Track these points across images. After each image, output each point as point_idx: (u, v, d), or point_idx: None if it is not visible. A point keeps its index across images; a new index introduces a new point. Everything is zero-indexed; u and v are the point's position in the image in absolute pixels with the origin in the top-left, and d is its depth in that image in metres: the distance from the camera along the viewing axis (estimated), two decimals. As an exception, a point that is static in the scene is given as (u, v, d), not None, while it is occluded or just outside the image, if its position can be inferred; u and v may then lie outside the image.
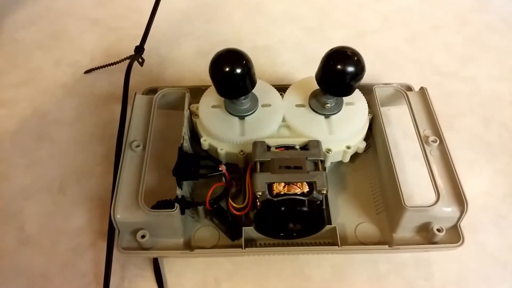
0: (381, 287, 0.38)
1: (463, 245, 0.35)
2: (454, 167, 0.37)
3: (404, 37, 0.61)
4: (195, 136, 0.43)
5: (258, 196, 0.35)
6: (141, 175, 0.38)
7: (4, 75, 0.55)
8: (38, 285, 0.38)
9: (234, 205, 0.38)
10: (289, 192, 0.35)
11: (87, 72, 0.54)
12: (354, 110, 0.41)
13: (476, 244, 0.40)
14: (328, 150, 0.39)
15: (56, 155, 0.47)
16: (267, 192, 0.35)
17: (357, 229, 0.39)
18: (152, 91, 0.46)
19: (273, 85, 0.43)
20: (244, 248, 0.36)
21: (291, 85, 0.43)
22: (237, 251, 0.37)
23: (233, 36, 0.60)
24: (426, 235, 0.37)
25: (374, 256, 0.39)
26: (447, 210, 0.36)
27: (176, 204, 0.36)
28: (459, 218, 0.36)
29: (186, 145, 0.41)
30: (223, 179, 0.39)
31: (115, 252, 0.38)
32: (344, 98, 0.41)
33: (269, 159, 0.37)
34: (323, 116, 0.41)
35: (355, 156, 0.42)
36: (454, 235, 0.36)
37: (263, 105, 0.41)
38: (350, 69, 0.37)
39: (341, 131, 0.40)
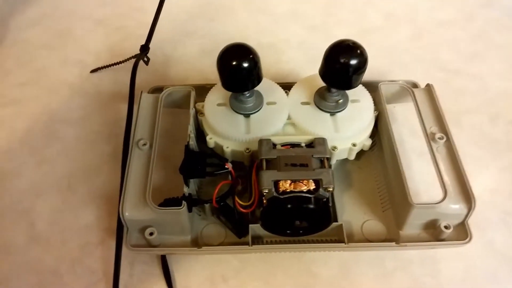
0: (388, 284, 0.38)
1: (470, 242, 0.36)
2: (461, 164, 0.37)
3: (409, 34, 0.60)
4: (200, 134, 0.43)
5: (265, 193, 0.35)
6: (148, 173, 0.38)
7: (11, 74, 0.55)
8: (49, 282, 0.39)
9: (241, 202, 0.38)
10: (296, 190, 0.35)
11: (93, 71, 0.55)
12: (359, 107, 0.41)
13: (483, 241, 0.40)
14: (334, 148, 0.39)
15: (64, 154, 0.47)
16: (273, 190, 0.35)
17: (364, 226, 0.39)
18: (157, 89, 0.46)
19: (277, 83, 0.43)
20: (251, 245, 0.37)
21: (296, 82, 0.44)
22: (244, 248, 0.37)
23: (237, 35, 0.60)
24: (433, 232, 0.37)
25: (381, 253, 0.39)
26: (454, 207, 0.36)
27: (184, 202, 0.36)
28: (467, 215, 0.36)
29: (192, 143, 0.41)
30: (229, 177, 0.39)
31: (124, 249, 0.38)
32: (349, 95, 0.41)
33: (275, 157, 0.37)
34: (328, 114, 0.41)
35: (360, 154, 0.42)
36: (462, 232, 0.36)
37: (268, 103, 0.42)
38: (352, 58, 0.37)
39: (347, 129, 0.40)
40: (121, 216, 0.36)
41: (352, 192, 0.42)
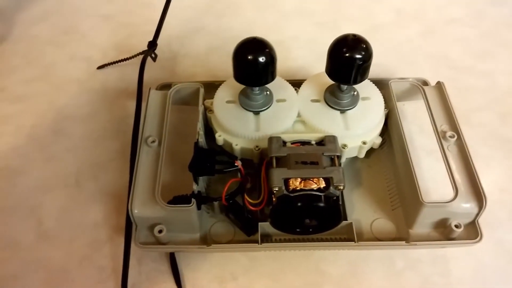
0: (397, 283, 0.38)
1: (481, 241, 0.35)
2: (472, 162, 0.37)
3: (418, 31, 0.60)
4: (209, 131, 0.43)
5: (275, 191, 0.35)
6: (157, 170, 0.38)
7: (18, 70, 0.55)
8: (58, 278, 0.39)
9: (250, 200, 0.38)
10: (306, 188, 0.35)
11: (100, 67, 0.55)
12: (370, 105, 0.41)
13: (493, 241, 0.40)
14: (344, 146, 0.39)
15: (72, 150, 0.47)
16: (283, 188, 0.35)
17: (373, 225, 0.39)
18: (165, 86, 0.46)
19: (287, 80, 0.43)
20: (260, 244, 0.37)
21: (305, 80, 0.43)
22: (253, 246, 0.37)
23: (245, 31, 0.59)
24: (443, 231, 0.37)
25: (390, 252, 0.39)
26: (465, 206, 0.36)
27: (193, 199, 0.36)
28: (477, 214, 0.36)
29: (202, 140, 0.41)
30: (239, 174, 0.39)
31: (132, 246, 0.38)
32: (360, 93, 0.41)
33: (285, 155, 0.37)
34: (338, 111, 0.40)
35: (370, 152, 0.42)
36: (472, 231, 0.36)
37: (278, 100, 0.41)
38: (355, 51, 0.36)
39: (357, 126, 0.40)
40: (130, 213, 0.36)
41: (361, 191, 0.42)
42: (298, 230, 0.37)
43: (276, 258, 0.39)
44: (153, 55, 0.51)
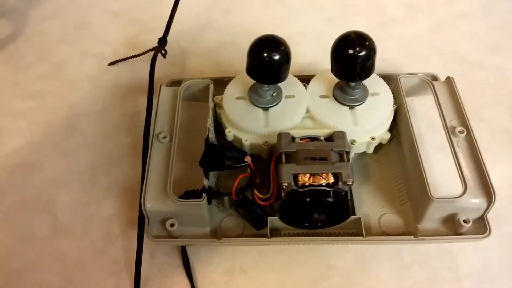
0: (405, 277, 0.38)
1: (489, 236, 0.36)
2: (481, 158, 0.37)
3: (428, 25, 0.59)
4: (218, 127, 0.44)
5: (284, 187, 0.36)
6: (169, 165, 0.39)
7: (31, 67, 0.56)
8: (72, 271, 0.40)
9: (259, 195, 0.39)
10: (315, 183, 0.35)
11: (111, 64, 0.55)
12: (379, 100, 0.41)
13: (501, 235, 0.40)
14: (353, 141, 0.39)
15: (85, 146, 0.48)
16: (292, 183, 0.35)
17: (381, 219, 0.39)
18: (176, 82, 0.46)
19: (295, 76, 0.43)
20: (270, 238, 0.37)
21: (313, 76, 0.44)
22: (262, 240, 0.37)
23: (253, 27, 0.60)
24: (452, 226, 0.37)
25: (398, 247, 0.40)
26: (474, 201, 0.36)
27: (204, 194, 0.37)
28: (486, 210, 0.36)
29: (212, 136, 0.42)
30: (248, 170, 0.40)
31: (145, 239, 0.39)
32: (369, 88, 0.41)
33: (294, 150, 0.37)
34: (347, 107, 0.41)
35: (378, 147, 0.42)
36: (481, 226, 0.36)
37: (287, 96, 0.42)
38: (357, 48, 0.37)
39: (366, 122, 0.40)
40: (142, 208, 0.37)
41: (370, 186, 0.42)
42: (306, 224, 0.38)
43: (285, 252, 0.40)
44: (163, 52, 0.51)
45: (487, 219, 0.36)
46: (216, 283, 0.39)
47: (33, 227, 0.43)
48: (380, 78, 0.43)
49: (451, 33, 0.58)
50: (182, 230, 0.38)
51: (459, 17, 0.60)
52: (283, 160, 0.37)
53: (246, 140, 0.40)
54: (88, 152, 0.48)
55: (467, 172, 0.37)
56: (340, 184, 0.35)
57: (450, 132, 0.39)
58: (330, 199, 0.35)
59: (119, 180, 0.45)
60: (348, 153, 0.38)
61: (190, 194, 0.38)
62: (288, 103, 0.41)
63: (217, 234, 0.39)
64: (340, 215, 0.37)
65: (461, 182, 0.36)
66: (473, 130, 0.39)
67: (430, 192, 0.35)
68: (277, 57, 0.37)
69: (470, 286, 0.38)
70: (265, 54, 0.37)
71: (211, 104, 0.43)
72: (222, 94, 0.43)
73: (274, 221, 0.38)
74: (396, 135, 0.43)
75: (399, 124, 0.43)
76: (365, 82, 0.41)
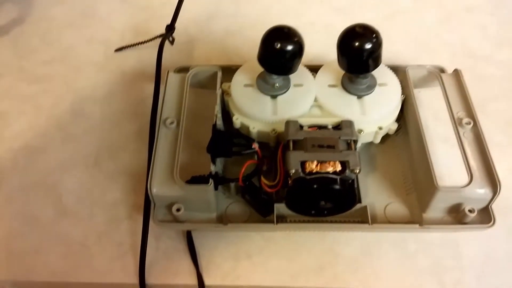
0: (410, 265, 0.39)
1: (494, 226, 0.36)
2: (487, 149, 0.37)
3: (436, 18, 0.59)
4: (226, 115, 0.44)
5: (291, 173, 0.36)
6: (175, 151, 0.39)
7: (37, 52, 0.56)
8: (77, 253, 0.40)
9: (266, 182, 0.39)
10: (322, 171, 0.36)
11: (118, 50, 0.55)
12: (387, 90, 0.41)
13: (505, 227, 0.40)
14: (360, 131, 0.40)
15: (91, 131, 0.48)
16: (300, 170, 0.36)
17: (387, 209, 0.40)
18: (183, 69, 0.46)
19: (303, 65, 0.43)
20: (276, 224, 0.37)
21: (321, 65, 0.44)
22: (269, 226, 0.38)
23: (261, 16, 0.60)
24: (456, 216, 0.38)
25: (403, 236, 0.40)
26: (479, 191, 0.36)
27: (211, 180, 0.37)
28: (491, 200, 0.36)
29: (219, 123, 0.42)
30: (255, 156, 0.40)
31: (150, 224, 0.39)
32: (377, 79, 0.41)
33: (302, 138, 0.38)
34: (355, 97, 0.41)
35: (385, 138, 0.43)
36: (485, 216, 0.37)
37: (295, 85, 0.42)
38: (362, 42, 0.37)
39: (374, 112, 0.40)
40: (149, 192, 0.37)
41: (376, 175, 0.42)
42: (313, 212, 0.38)
43: (290, 239, 0.40)
44: (170, 39, 0.51)
45: (491, 209, 0.37)
46: (221, 268, 0.39)
47: (37, 210, 0.43)
48: (388, 68, 0.43)
49: (460, 27, 0.58)
50: (188, 215, 0.38)
51: (468, 11, 0.60)
52: (291, 148, 0.37)
53: (253, 128, 0.40)
54: (94, 137, 0.47)
55: (473, 162, 0.37)
56: (347, 172, 0.36)
57: (457, 123, 0.40)
58: (337, 187, 0.35)
59: (124, 166, 0.45)
60: (355, 141, 0.38)
61: (196, 180, 0.38)
62: (297, 92, 0.41)
63: (223, 220, 0.39)
64: (346, 203, 0.37)
65: (467, 172, 0.37)
66: (480, 122, 0.39)
67: (436, 181, 0.36)
68: (290, 48, 0.37)
69: (473, 276, 0.38)
70: (278, 45, 0.37)
71: (219, 91, 0.43)
72: (230, 81, 0.43)
73: (280, 208, 0.38)
74: (403, 126, 0.43)
75: (406, 115, 0.43)
76: (373, 72, 0.41)
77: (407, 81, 0.43)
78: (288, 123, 0.39)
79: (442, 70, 0.45)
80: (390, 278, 0.38)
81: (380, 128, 0.40)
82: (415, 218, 0.39)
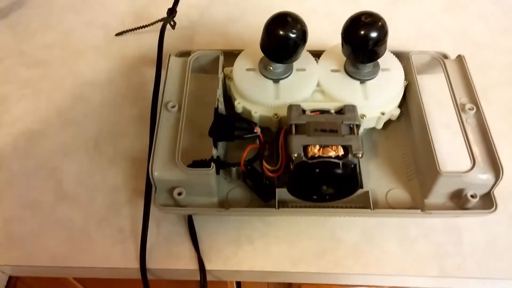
0: (411, 251, 0.39)
1: (496, 211, 0.36)
2: (490, 134, 0.37)
3: (439, 6, 0.59)
4: (227, 101, 0.43)
5: (294, 158, 0.35)
6: (177, 134, 0.38)
7: (37, 35, 0.55)
8: (78, 238, 0.40)
9: (268, 167, 0.39)
10: (324, 155, 0.35)
11: (118, 34, 0.55)
12: (390, 76, 0.41)
13: (506, 213, 0.40)
14: (363, 116, 0.39)
15: (91, 115, 0.48)
16: (302, 154, 0.35)
17: (388, 194, 0.40)
18: (185, 53, 0.46)
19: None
20: (278, 209, 0.37)
21: (323, 51, 0.43)
22: (271, 211, 0.38)
23: (263, 2, 0.59)
24: (458, 202, 0.38)
25: (404, 221, 0.40)
26: (482, 177, 0.36)
27: (212, 163, 0.37)
28: (494, 185, 0.36)
29: (221, 107, 0.41)
30: (257, 141, 0.40)
31: (151, 209, 0.39)
32: (380, 64, 0.41)
33: (305, 122, 0.37)
34: (358, 81, 0.41)
35: (387, 124, 0.42)
36: (487, 202, 0.37)
37: (297, 69, 0.41)
38: (369, 32, 0.37)
39: (377, 97, 0.40)
40: (150, 176, 0.37)
41: (377, 161, 0.42)
42: (314, 197, 0.38)
43: (292, 224, 0.40)
44: (172, 23, 0.51)
45: (493, 195, 0.37)
46: (222, 253, 0.39)
47: (37, 194, 0.42)
48: (392, 54, 0.43)
49: (463, 15, 0.58)
50: (189, 199, 0.38)
51: (471, -1, 0.60)
52: (293, 132, 0.37)
53: (255, 112, 0.40)
54: (94, 122, 0.47)
55: (475, 148, 0.37)
56: (350, 157, 0.35)
57: (459, 109, 0.39)
58: (339, 171, 0.35)
59: (125, 150, 0.45)
60: (358, 126, 0.38)
61: (198, 164, 0.38)
62: (299, 76, 0.41)
63: (224, 205, 0.39)
64: (348, 187, 0.37)
65: (470, 157, 0.36)
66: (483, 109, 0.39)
67: (438, 166, 0.36)
68: (293, 36, 0.37)
69: (474, 261, 0.38)
70: (281, 33, 0.37)
71: (221, 75, 0.42)
72: (231, 67, 0.42)
73: (282, 193, 0.38)
74: (405, 112, 0.43)
75: (408, 100, 0.43)
76: (376, 57, 0.40)
77: (410, 67, 0.42)
78: (290, 107, 0.39)
79: (445, 56, 0.45)
80: (391, 264, 0.38)
81: (383, 114, 0.40)
82: (416, 204, 0.39)
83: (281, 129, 0.39)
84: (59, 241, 0.40)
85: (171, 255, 0.39)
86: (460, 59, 0.43)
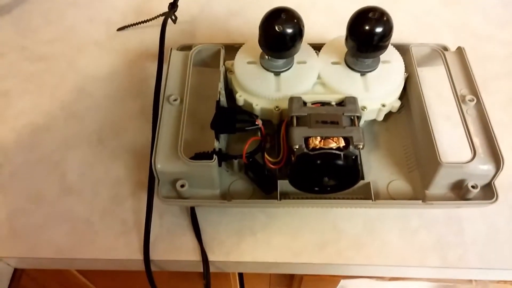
0: (412, 241, 0.39)
1: (497, 201, 0.36)
2: (491, 125, 0.38)
3: (439, -1, 0.59)
4: (229, 94, 0.44)
5: (295, 149, 0.36)
6: (179, 127, 0.39)
7: (40, 30, 0.56)
8: (81, 230, 0.40)
9: (270, 159, 0.39)
10: (325, 147, 0.36)
11: (120, 29, 0.55)
12: (390, 68, 0.41)
13: (508, 203, 0.41)
14: (363, 108, 0.39)
15: (93, 109, 0.48)
16: (303, 146, 0.36)
17: (389, 186, 0.40)
18: (186, 47, 0.46)
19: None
20: (279, 200, 0.38)
21: (323, 44, 0.43)
22: (273, 202, 0.38)
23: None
24: (459, 193, 0.38)
25: (406, 212, 0.40)
26: (483, 167, 0.36)
27: (215, 156, 0.37)
28: (494, 176, 0.36)
29: (223, 100, 0.42)
30: (259, 133, 0.40)
31: (154, 201, 0.39)
32: (380, 56, 0.41)
33: (306, 114, 0.38)
34: (359, 74, 0.41)
35: (387, 116, 0.42)
36: (488, 193, 0.37)
37: (298, 62, 0.42)
38: (376, 27, 0.37)
39: (377, 89, 0.40)
40: (153, 168, 0.37)
41: (378, 153, 0.42)
42: (316, 189, 0.38)
43: (293, 215, 0.40)
44: (173, 17, 0.51)
45: (494, 185, 0.37)
46: (224, 244, 0.39)
47: (42, 187, 0.43)
48: (392, 46, 0.43)
49: (463, 7, 0.58)
50: (192, 191, 0.38)
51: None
52: (295, 124, 0.37)
53: (257, 105, 0.40)
54: (96, 116, 0.48)
55: (476, 139, 0.37)
56: (351, 148, 0.36)
57: (460, 101, 0.40)
58: (341, 162, 0.35)
59: (127, 144, 0.45)
60: (359, 118, 0.38)
61: (200, 156, 0.38)
62: (300, 69, 0.41)
63: (226, 197, 0.39)
64: (350, 179, 0.37)
65: (470, 148, 0.37)
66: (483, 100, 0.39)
67: (439, 157, 0.36)
68: (290, 31, 0.37)
69: (476, 252, 0.38)
70: (277, 28, 0.37)
71: (222, 69, 0.42)
72: (232, 60, 0.43)
73: (283, 185, 0.38)
74: (406, 104, 0.43)
75: (409, 92, 0.43)
76: (377, 49, 0.40)
77: (410, 59, 0.43)
78: (291, 99, 0.39)
79: (445, 48, 0.45)
80: (392, 255, 0.38)
81: (383, 105, 0.40)
82: (418, 195, 0.39)
83: (282, 122, 0.40)
84: (63, 233, 0.40)
85: (174, 247, 0.39)
86: (460, 51, 0.43)
